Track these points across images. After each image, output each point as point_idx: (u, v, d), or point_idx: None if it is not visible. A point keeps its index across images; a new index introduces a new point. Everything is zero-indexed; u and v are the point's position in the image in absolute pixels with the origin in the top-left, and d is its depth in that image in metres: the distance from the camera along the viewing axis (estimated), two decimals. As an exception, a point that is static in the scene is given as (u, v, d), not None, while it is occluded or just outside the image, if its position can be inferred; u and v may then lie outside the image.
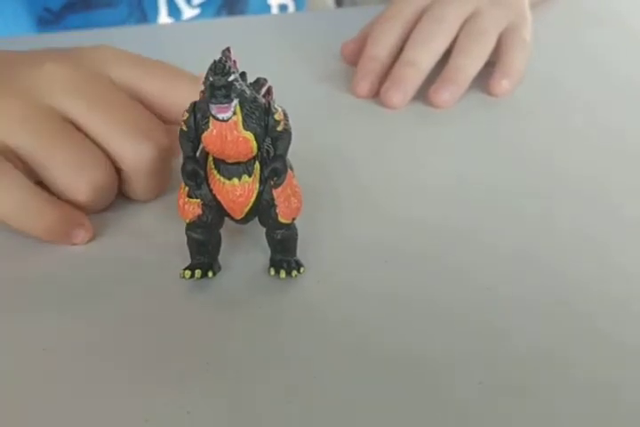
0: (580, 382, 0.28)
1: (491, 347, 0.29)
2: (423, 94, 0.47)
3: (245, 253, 0.33)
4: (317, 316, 0.30)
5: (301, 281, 0.32)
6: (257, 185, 0.30)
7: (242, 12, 0.67)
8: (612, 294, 0.32)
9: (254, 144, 0.29)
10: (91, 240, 0.34)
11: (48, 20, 0.58)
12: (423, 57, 0.47)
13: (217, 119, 0.27)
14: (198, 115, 0.28)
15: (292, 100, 0.45)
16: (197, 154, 0.30)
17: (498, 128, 0.46)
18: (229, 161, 0.29)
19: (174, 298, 0.31)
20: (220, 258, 0.32)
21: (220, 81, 0.26)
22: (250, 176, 0.29)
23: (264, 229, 0.32)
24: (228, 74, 0.27)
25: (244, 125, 0.28)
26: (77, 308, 0.31)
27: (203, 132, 0.28)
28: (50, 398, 0.26)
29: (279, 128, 0.29)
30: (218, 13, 0.66)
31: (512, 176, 0.41)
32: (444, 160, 0.42)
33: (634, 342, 0.30)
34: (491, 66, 0.49)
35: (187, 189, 0.30)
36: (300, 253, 0.32)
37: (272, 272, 0.32)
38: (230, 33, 0.56)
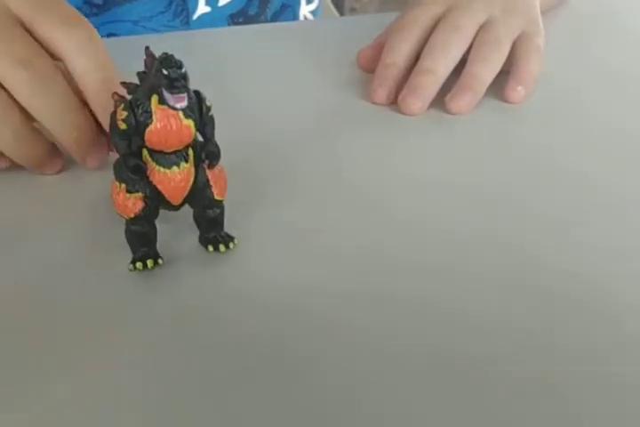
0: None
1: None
2: (439, 101, 0.49)
3: (174, 237, 0.36)
4: (263, 284, 0.33)
5: (237, 252, 0.35)
6: (193, 170, 0.32)
7: (271, 1, 0.71)
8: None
9: (194, 131, 0.31)
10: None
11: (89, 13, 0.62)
12: (440, 65, 0.49)
13: (175, 109, 0.30)
14: (137, 111, 0.31)
15: (310, 107, 0.50)
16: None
17: (513, 134, 0.47)
18: (168, 151, 0.31)
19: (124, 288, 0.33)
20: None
21: (177, 73, 0.29)
22: (187, 162, 0.32)
23: (184, 213, 0.34)
24: (182, 66, 0.29)
25: (184, 114, 0.31)
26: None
27: (146, 126, 0.30)
28: None
29: (210, 114, 0.32)
30: (249, 0, 0.69)
31: (527, 181, 0.42)
32: (461, 166, 0.43)
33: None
34: (505, 73, 0.50)
35: (123, 185, 0.32)
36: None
37: (211, 249, 0.34)
38: (244, 41, 0.59)
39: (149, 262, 0.34)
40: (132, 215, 0.33)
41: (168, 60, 0.29)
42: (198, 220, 0.35)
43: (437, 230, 0.38)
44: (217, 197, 0.34)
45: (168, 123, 0.31)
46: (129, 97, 0.32)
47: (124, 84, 0.33)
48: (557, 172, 0.43)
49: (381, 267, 0.35)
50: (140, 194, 0.33)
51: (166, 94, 0.30)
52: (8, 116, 0.37)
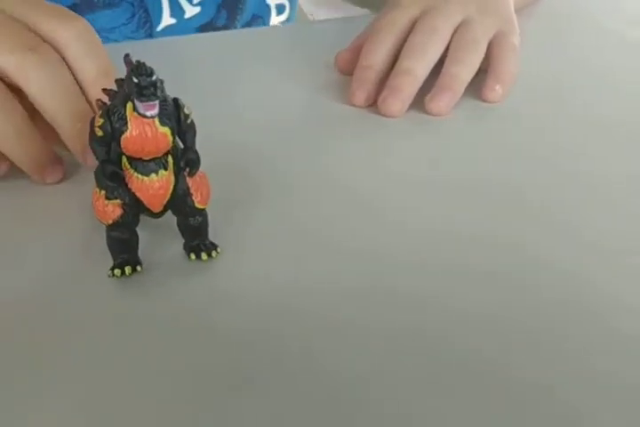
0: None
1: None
2: (419, 102, 0.49)
3: (159, 245, 0.36)
4: (244, 292, 0.33)
5: (219, 261, 0.35)
6: (172, 177, 0.32)
7: (241, 10, 0.71)
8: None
9: (171, 139, 0.31)
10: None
11: None
12: (418, 66, 0.49)
13: (145, 117, 0.30)
14: (113, 118, 0.30)
15: (290, 111, 0.50)
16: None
17: (493, 133, 0.47)
18: (146, 158, 0.31)
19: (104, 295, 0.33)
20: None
21: (147, 80, 0.29)
22: (166, 170, 0.32)
23: (168, 220, 0.34)
24: (152, 74, 0.29)
25: (160, 122, 0.30)
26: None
27: (121, 134, 0.30)
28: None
29: (188, 121, 0.32)
30: (218, 11, 0.69)
31: (513, 178, 0.42)
32: (446, 165, 0.44)
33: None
34: (482, 72, 0.50)
35: (102, 192, 0.32)
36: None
37: (193, 257, 0.34)
38: (217, 47, 0.59)
39: (127, 269, 0.33)
40: (111, 222, 0.33)
41: (139, 68, 0.29)
42: (181, 228, 0.35)
43: (431, 229, 0.38)
44: (198, 206, 0.34)
45: (143, 130, 0.31)
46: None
47: (105, 90, 0.33)
48: (542, 169, 0.43)
49: (375, 267, 0.35)
50: (118, 201, 0.32)
51: (137, 102, 0.29)
52: (10, 112, 0.37)
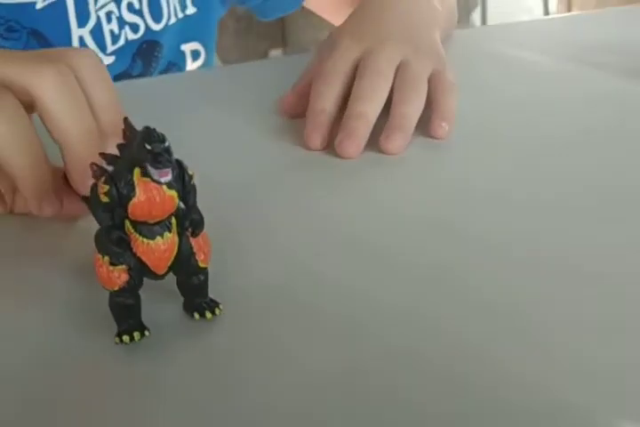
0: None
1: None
2: (370, 142, 0.51)
3: (156, 305, 0.35)
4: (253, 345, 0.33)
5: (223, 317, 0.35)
6: (176, 238, 0.32)
7: (156, 58, 0.72)
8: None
9: (177, 201, 0.31)
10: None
11: None
12: (370, 109, 0.51)
13: (159, 183, 0.30)
14: (120, 184, 0.30)
15: (245, 158, 0.50)
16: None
17: (445, 168, 0.50)
18: (151, 222, 0.31)
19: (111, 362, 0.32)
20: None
21: (160, 147, 0.29)
22: (170, 232, 0.32)
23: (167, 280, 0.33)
24: (164, 140, 0.29)
25: (168, 185, 0.30)
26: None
27: (129, 199, 0.30)
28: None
29: (192, 182, 0.32)
30: (133, 60, 0.71)
31: (471, 210, 0.44)
32: (405, 202, 0.45)
33: None
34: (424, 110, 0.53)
35: (106, 258, 0.32)
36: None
37: (197, 316, 0.34)
38: (144, 94, 0.59)
39: (136, 335, 0.33)
40: (117, 288, 0.32)
41: (150, 134, 0.29)
42: (182, 287, 0.35)
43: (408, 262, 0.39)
44: (201, 264, 0.34)
45: (152, 195, 0.31)
46: (108, 167, 0.32)
47: (102, 155, 0.32)
48: (498, 198, 0.46)
49: (372, 312, 0.36)
50: (124, 266, 0.32)
51: (151, 169, 0.29)
52: (23, 127, 0.37)
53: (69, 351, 0.33)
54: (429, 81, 0.54)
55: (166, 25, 0.72)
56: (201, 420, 0.30)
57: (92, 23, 0.68)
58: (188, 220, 0.32)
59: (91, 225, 0.33)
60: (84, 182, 0.38)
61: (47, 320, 0.35)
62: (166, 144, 0.29)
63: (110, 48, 0.69)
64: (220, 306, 0.35)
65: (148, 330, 0.33)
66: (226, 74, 0.69)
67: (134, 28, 0.71)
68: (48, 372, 0.32)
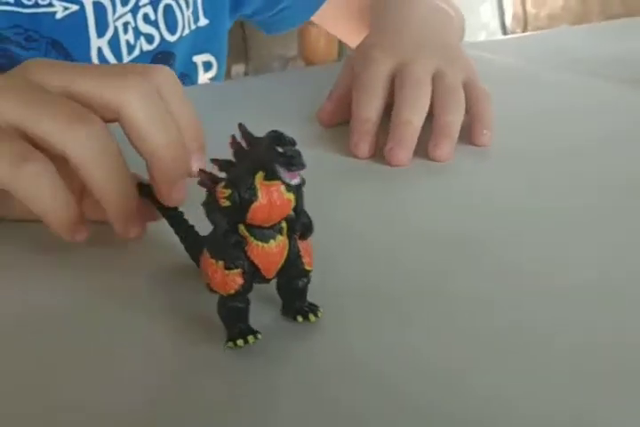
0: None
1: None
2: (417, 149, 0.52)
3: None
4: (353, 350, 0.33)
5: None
6: (287, 242, 0.32)
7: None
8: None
9: (293, 205, 0.32)
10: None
11: None
12: (416, 117, 0.52)
13: (289, 185, 0.30)
14: (241, 188, 0.30)
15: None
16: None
17: (491, 175, 0.51)
18: (266, 225, 0.32)
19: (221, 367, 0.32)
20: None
21: (293, 150, 0.30)
22: (282, 235, 0.32)
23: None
24: (295, 143, 0.30)
25: (286, 188, 0.31)
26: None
27: (250, 203, 0.30)
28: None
29: (303, 185, 0.32)
30: None
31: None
32: (458, 210, 0.46)
33: None
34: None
35: (220, 262, 0.32)
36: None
37: (300, 319, 0.34)
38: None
39: (250, 338, 0.33)
40: (233, 292, 0.32)
41: (281, 138, 0.30)
42: (284, 290, 0.35)
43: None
44: (307, 267, 0.34)
45: (273, 198, 0.31)
46: (219, 173, 0.32)
47: (215, 160, 0.32)
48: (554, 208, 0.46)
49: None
50: (239, 270, 0.32)
51: (282, 171, 0.30)
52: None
53: (179, 354, 0.33)
54: (464, 89, 0.56)
55: (181, 36, 0.73)
56: (317, 421, 0.30)
57: (109, 33, 0.67)
58: (299, 223, 0.33)
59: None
60: (170, 195, 0.38)
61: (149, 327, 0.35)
62: (296, 147, 0.30)
63: (126, 58, 0.69)
64: (321, 309, 0.35)
65: (260, 333, 0.33)
66: (248, 85, 0.69)
67: (149, 38, 0.71)
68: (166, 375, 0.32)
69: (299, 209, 0.33)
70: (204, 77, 0.78)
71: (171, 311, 0.36)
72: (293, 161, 0.29)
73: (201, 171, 0.33)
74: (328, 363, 0.33)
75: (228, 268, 0.32)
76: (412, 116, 0.52)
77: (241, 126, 0.32)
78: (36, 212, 0.37)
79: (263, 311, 0.36)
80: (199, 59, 0.76)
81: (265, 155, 0.30)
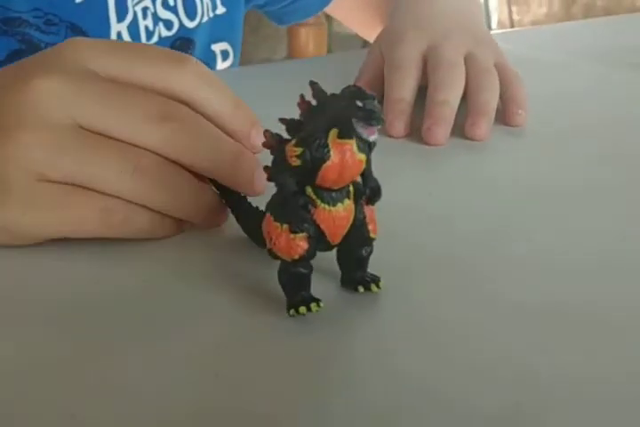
0: None
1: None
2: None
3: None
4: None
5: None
6: (353, 206, 0.31)
7: None
8: None
9: (364, 166, 0.30)
10: None
11: None
12: (452, 97, 0.52)
13: (367, 141, 0.29)
14: (313, 146, 0.29)
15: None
16: None
17: (529, 154, 0.50)
18: (335, 188, 0.30)
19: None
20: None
21: (375, 105, 0.28)
22: (349, 199, 0.31)
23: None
24: (375, 98, 0.28)
25: (358, 148, 0.30)
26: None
27: (322, 162, 0.29)
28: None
29: (374, 146, 0.31)
30: None
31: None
32: (499, 188, 0.45)
33: None
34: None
35: (285, 226, 0.30)
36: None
37: (362, 289, 0.33)
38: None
39: (313, 306, 0.31)
40: (297, 257, 0.31)
41: (360, 93, 0.28)
42: (346, 259, 0.34)
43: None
44: (372, 235, 0.33)
45: (345, 158, 0.30)
46: (284, 134, 0.31)
47: (282, 120, 0.31)
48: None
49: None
50: (304, 234, 0.31)
51: (360, 127, 0.28)
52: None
53: (241, 329, 0.32)
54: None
55: (200, 23, 0.71)
56: (382, 391, 0.29)
57: (129, 18, 0.66)
58: (368, 187, 0.32)
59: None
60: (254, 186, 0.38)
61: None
62: (376, 102, 0.28)
63: None
64: (381, 279, 0.34)
65: (321, 301, 0.32)
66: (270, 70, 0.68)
67: (168, 24, 0.69)
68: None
69: (367, 172, 0.32)
70: (221, 66, 0.77)
71: (227, 283, 0.35)
72: (374, 115, 0.28)
73: (266, 131, 0.31)
74: (395, 333, 0.32)
75: (293, 231, 0.31)
76: (449, 96, 0.52)
77: (314, 84, 0.31)
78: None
79: (321, 282, 0.34)
80: (217, 47, 0.76)
81: (344, 110, 0.29)
